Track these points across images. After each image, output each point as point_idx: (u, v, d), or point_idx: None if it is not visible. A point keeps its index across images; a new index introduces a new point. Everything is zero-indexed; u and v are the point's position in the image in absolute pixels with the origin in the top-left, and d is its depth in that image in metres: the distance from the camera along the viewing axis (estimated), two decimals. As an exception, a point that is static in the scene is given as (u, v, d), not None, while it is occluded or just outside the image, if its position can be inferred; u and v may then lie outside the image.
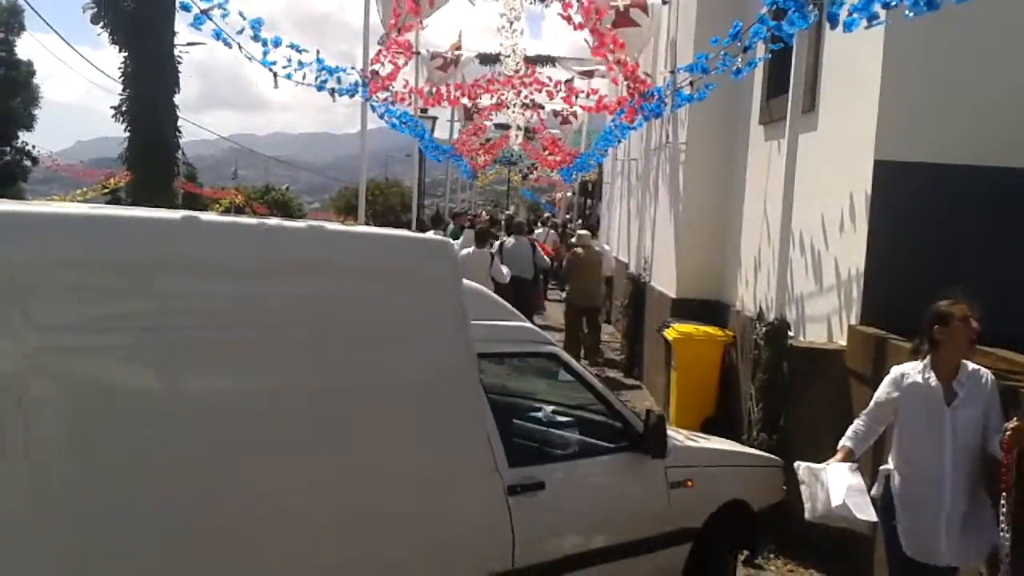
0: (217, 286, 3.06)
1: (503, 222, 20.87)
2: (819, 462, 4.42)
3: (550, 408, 5.27)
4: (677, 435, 5.16)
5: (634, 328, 12.25)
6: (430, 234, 4.08)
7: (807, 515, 4.32)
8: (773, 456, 5.82)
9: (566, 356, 4.64)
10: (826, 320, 6.62)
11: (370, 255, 3.55)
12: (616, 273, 15.71)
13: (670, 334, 9.16)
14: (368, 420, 3.41)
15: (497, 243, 13.28)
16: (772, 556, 5.95)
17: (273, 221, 3.49)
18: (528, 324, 4.54)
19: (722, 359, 8.99)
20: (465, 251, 11.52)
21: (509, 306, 4.45)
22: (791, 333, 6.41)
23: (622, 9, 11.00)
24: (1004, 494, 3.79)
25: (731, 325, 9.16)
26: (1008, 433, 3.78)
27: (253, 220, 3.36)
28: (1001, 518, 3.80)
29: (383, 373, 3.46)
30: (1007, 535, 3.77)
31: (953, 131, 5.87)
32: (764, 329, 6.27)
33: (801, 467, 4.43)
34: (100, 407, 2.77)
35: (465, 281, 3.99)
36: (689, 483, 4.76)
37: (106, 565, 2.76)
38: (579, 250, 12.63)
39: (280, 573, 3.13)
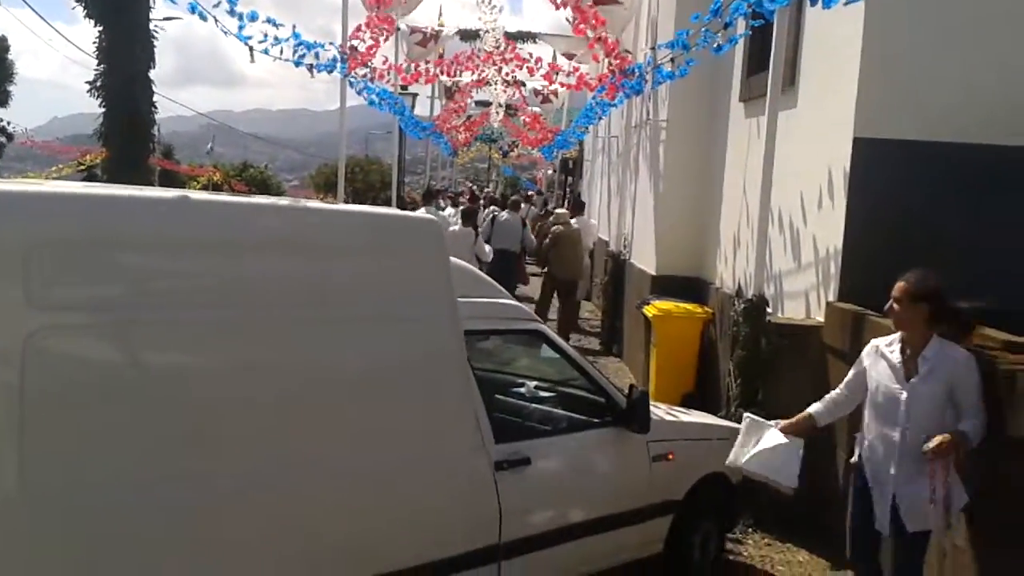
0: (201, 265, 3.04)
1: (483, 199, 21.07)
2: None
3: (535, 384, 5.34)
4: (658, 409, 5.23)
5: (614, 305, 12.29)
6: (421, 211, 4.06)
7: (727, 460, 4.80)
8: None
9: (550, 332, 4.68)
10: (804, 297, 6.66)
11: (357, 233, 3.56)
12: (596, 250, 15.78)
13: (649, 311, 9.20)
14: (357, 399, 3.44)
15: (490, 216, 14.30)
16: (750, 531, 6.01)
17: (258, 198, 3.51)
18: (513, 301, 4.57)
19: (701, 336, 9.04)
20: (451, 228, 12.17)
21: (494, 283, 4.51)
22: (769, 310, 6.44)
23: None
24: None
25: (710, 302, 9.20)
26: (931, 447, 3.91)
27: (240, 198, 3.37)
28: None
29: (371, 352, 3.49)
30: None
31: (933, 108, 5.90)
32: (743, 306, 6.31)
33: (748, 418, 4.85)
34: (87, 387, 2.79)
35: (458, 261, 4.06)
36: (670, 456, 4.87)
37: (91, 547, 2.77)
38: (559, 227, 13.00)
39: (272, 551, 3.16)
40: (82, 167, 32.52)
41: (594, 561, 4.52)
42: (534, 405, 5.09)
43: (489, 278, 4.57)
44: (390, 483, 3.52)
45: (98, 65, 8.09)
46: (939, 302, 4.23)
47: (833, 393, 4.70)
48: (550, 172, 36.70)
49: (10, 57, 36.04)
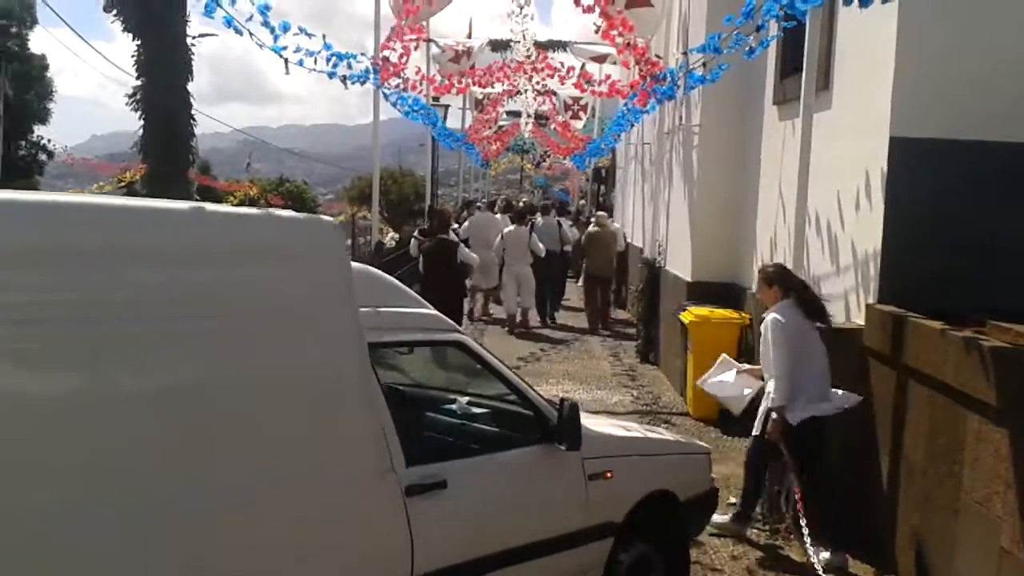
0: (68, 274, 2.75)
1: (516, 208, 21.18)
2: (835, 444, 4.96)
3: (457, 401, 4.92)
4: (598, 423, 4.97)
5: (649, 312, 12.23)
6: (325, 217, 3.56)
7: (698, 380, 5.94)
8: (700, 443, 5.73)
9: (472, 344, 4.30)
10: (843, 300, 6.59)
11: (241, 238, 3.22)
12: (631, 258, 15.77)
13: (686, 317, 9.15)
14: (240, 418, 3.10)
15: (529, 223, 15.17)
16: (791, 536, 5.93)
17: (131, 200, 3.26)
18: (430, 311, 4.19)
19: (739, 341, 8.96)
20: (507, 228, 14.58)
21: (409, 291, 4.21)
22: (808, 313, 6.36)
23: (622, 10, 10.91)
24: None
25: (747, 307, 9.13)
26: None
27: (111, 199, 3.08)
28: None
29: (257, 367, 3.16)
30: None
31: (970, 106, 5.81)
32: (780, 309, 6.23)
33: (724, 356, 6.19)
34: None
35: (357, 264, 3.79)
36: (608, 474, 4.48)
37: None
38: (595, 229, 15.09)
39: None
40: (122, 183, 33.05)
41: None
42: (455, 423, 4.69)
43: (404, 286, 4.21)
44: (280, 512, 3.17)
45: (137, 78, 8.25)
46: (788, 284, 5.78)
47: None
48: (583, 182, 36.64)
49: (49, 75, 36.78)
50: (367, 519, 3.47)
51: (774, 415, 5.63)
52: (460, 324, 12.71)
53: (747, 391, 6.19)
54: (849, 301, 6.48)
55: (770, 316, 5.68)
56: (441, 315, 4.26)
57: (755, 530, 6.14)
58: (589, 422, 4.84)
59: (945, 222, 5.82)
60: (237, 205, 37.68)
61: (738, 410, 6.08)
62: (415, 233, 13.87)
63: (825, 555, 5.42)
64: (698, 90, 9.75)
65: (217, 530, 3.00)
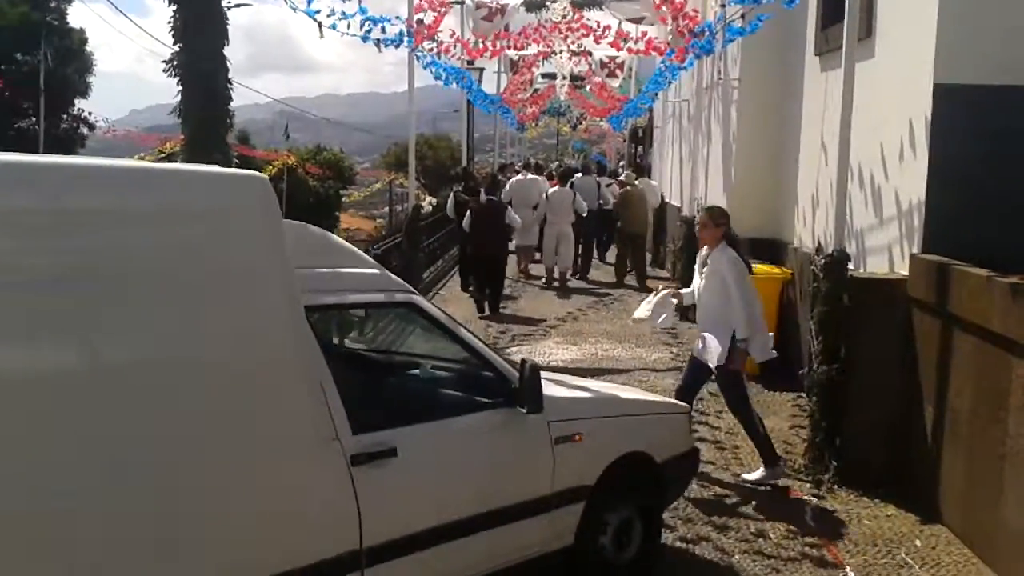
0: None
1: (550, 170, 21.72)
2: (879, 394, 5.34)
3: (412, 364, 4.70)
4: (566, 385, 4.81)
5: (688, 271, 12.16)
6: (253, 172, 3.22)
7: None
8: (679, 403, 5.59)
9: (427, 305, 4.12)
10: (887, 251, 6.53)
11: (161, 196, 2.97)
12: (669, 217, 15.71)
13: (726, 273, 9.10)
14: (169, 387, 2.92)
15: (569, 182, 15.69)
16: (835, 487, 5.95)
17: (38, 156, 3.06)
18: (380, 271, 4.01)
19: (780, 297, 8.93)
20: (551, 189, 15.27)
21: (359, 252, 4.00)
22: (851, 265, 6.32)
23: None
24: None
25: (788, 263, 9.07)
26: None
27: (14, 155, 2.82)
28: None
29: (178, 332, 2.96)
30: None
31: (1016, 50, 5.69)
32: (823, 261, 6.19)
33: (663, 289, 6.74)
34: None
35: (305, 225, 3.65)
36: (578, 437, 4.32)
37: None
38: (629, 187, 15.75)
39: (80, 556, 2.72)
40: (163, 154, 33.42)
41: (487, 560, 3.98)
42: (408, 388, 4.50)
43: (353, 247, 4.03)
44: (212, 485, 3.01)
45: (174, 44, 8.32)
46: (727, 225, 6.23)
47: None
48: (620, 143, 36.36)
49: (88, 49, 37.11)
50: (308, 490, 3.30)
51: (741, 346, 6.00)
52: (502, 281, 13.31)
53: (673, 310, 6.67)
54: (892, 252, 6.42)
55: (729, 254, 6.05)
56: (393, 276, 4.07)
57: (799, 480, 6.16)
58: (562, 384, 4.77)
59: (990, 170, 5.73)
60: (275, 174, 37.99)
61: (666, 324, 6.68)
62: (455, 191, 14.40)
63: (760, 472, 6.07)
64: (737, 43, 9.63)
65: (146, 506, 2.83)
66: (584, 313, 12.58)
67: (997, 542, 4.79)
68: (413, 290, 4.14)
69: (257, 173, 3.25)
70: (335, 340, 4.23)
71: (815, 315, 6.25)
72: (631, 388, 6.05)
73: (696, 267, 6.39)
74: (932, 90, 5.79)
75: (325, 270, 3.65)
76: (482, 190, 13.11)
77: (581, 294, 14.44)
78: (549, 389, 4.30)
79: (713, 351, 6.09)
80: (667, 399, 5.54)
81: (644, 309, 6.56)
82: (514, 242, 15.68)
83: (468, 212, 12.74)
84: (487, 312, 12.46)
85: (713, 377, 6.39)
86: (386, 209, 56.76)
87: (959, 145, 5.76)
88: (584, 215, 15.16)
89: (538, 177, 16.95)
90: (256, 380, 3.14)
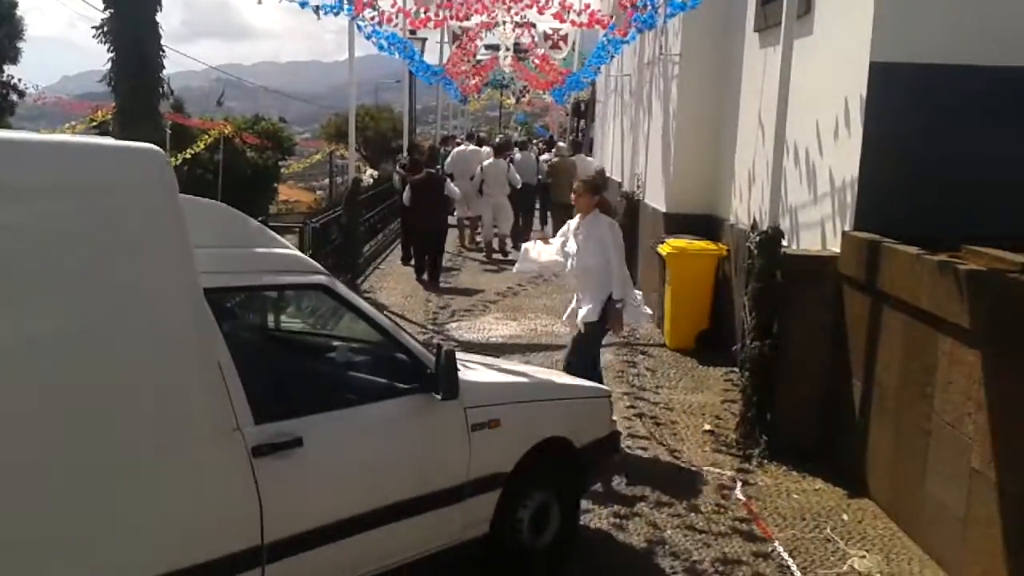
0: None
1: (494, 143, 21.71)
2: (810, 369, 5.39)
3: (323, 350, 4.56)
4: (483, 368, 4.73)
5: (628, 245, 12.18)
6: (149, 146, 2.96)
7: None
8: (600, 386, 5.53)
9: (339, 287, 3.94)
10: (820, 228, 6.59)
11: (44, 171, 2.76)
12: (611, 192, 15.73)
13: (664, 249, 9.15)
14: (47, 375, 2.73)
15: (508, 158, 16.07)
16: (765, 461, 6.02)
17: None
18: (290, 251, 3.83)
19: (716, 273, 9.00)
20: (487, 161, 15.47)
21: (268, 231, 3.82)
22: (785, 242, 6.37)
23: None
24: None
25: (725, 239, 9.13)
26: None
27: None
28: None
29: (63, 317, 2.77)
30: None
31: (951, 30, 5.75)
32: (757, 238, 6.23)
33: (525, 247, 7.22)
34: None
35: (205, 201, 3.50)
36: (494, 423, 4.23)
37: None
38: (556, 159, 16.59)
39: None
40: (94, 123, 32.41)
41: (398, 552, 3.87)
42: (318, 374, 4.33)
43: (263, 225, 3.85)
44: (97, 480, 2.83)
45: (105, 10, 8.00)
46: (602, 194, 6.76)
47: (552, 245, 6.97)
48: (562, 116, 36.31)
49: (18, 14, 35.73)
50: (206, 484, 3.14)
51: (618, 307, 6.35)
52: (442, 252, 13.33)
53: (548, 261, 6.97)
54: (825, 229, 6.48)
55: (605, 220, 6.49)
56: (303, 256, 3.87)
57: (730, 455, 6.22)
58: (480, 368, 4.67)
59: (923, 148, 5.80)
60: (211, 143, 37.11)
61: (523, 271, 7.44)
62: (398, 167, 14.78)
63: None
64: (679, 19, 9.59)
65: (19, 504, 2.65)
66: (524, 288, 12.55)
67: (921, 516, 4.89)
68: (325, 271, 3.98)
69: (153, 146, 3.03)
70: (240, 324, 4.01)
71: (749, 291, 6.29)
72: (553, 371, 5.99)
73: (568, 233, 6.66)
74: (868, 67, 5.83)
75: (230, 250, 3.48)
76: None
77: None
78: (467, 374, 4.21)
79: (587, 309, 6.41)
80: (588, 383, 5.44)
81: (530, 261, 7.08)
82: (456, 214, 16.00)
83: (407, 186, 12.99)
84: (426, 279, 12.72)
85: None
86: (326, 181, 55.98)
87: (893, 123, 5.81)
88: (519, 187, 15.50)
89: (480, 148, 17.05)
90: (148, 367, 2.96)
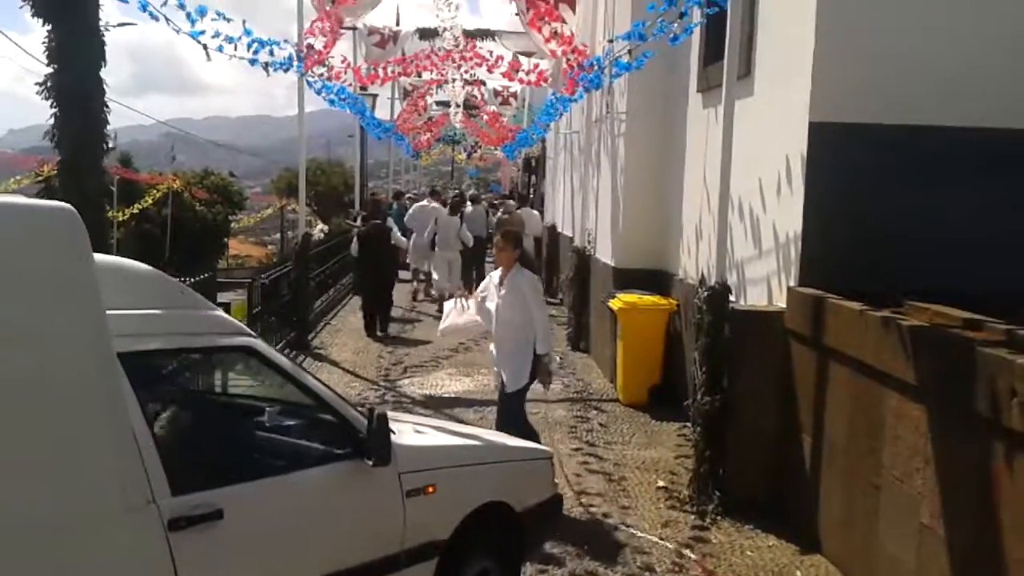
0: None
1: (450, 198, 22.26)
2: (761, 424, 5.10)
3: (247, 414, 4.37)
4: (425, 431, 4.63)
5: (580, 301, 12.27)
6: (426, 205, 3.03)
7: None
8: (541, 447, 5.45)
9: (266, 349, 3.81)
10: (766, 283, 6.68)
11: None
12: (562, 247, 15.88)
13: (615, 304, 9.20)
14: None
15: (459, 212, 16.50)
16: (718, 518, 6.00)
17: None
18: (214, 312, 3.71)
19: (666, 327, 9.05)
20: (440, 217, 15.75)
21: (190, 291, 3.69)
22: (732, 297, 6.44)
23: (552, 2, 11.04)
24: None
25: (674, 293, 9.21)
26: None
27: None
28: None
29: None
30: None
31: (889, 91, 5.93)
32: (705, 294, 6.29)
33: (448, 305, 7.18)
34: None
35: (121, 260, 3.39)
36: (430, 489, 4.10)
37: None
38: (505, 215, 17.06)
39: None
40: (40, 178, 31.91)
41: None
42: (242, 441, 4.14)
43: (184, 285, 3.73)
44: (11, 557, 2.67)
45: (48, 65, 7.91)
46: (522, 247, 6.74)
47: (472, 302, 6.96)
48: (514, 172, 36.63)
49: (-39, 68, 35.30)
50: (115, 563, 2.95)
51: (546, 360, 6.48)
52: (390, 301, 13.53)
53: (467, 321, 6.99)
54: (771, 284, 6.57)
55: (528, 275, 6.54)
56: (228, 317, 3.76)
57: (684, 512, 6.19)
58: (416, 430, 4.55)
59: (864, 206, 5.93)
60: (160, 197, 36.65)
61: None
62: (356, 227, 15.17)
63: None
64: (625, 78, 9.78)
65: None
66: (477, 343, 12.50)
67: (874, 573, 4.89)
68: (251, 332, 3.85)
69: (63, 205, 2.88)
70: (159, 389, 3.86)
71: (698, 346, 6.33)
72: (492, 432, 5.90)
73: (490, 287, 6.73)
74: (807, 128, 5.97)
75: (148, 312, 3.33)
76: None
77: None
78: (401, 437, 4.10)
79: (510, 375, 6.48)
80: (528, 444, 5.34)
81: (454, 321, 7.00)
82: (412, 267, 17.06)
83: (355, 238, 13.60)
84: (377, 333, 13.00)
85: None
86: (277, 235, 55.62)
87: (834, 181, 5.94)
88: (471, 245, 16.03)
89: (438, 204, 17.40)
90: (49, 436, 2.77)
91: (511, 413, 6.56)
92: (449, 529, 4.19)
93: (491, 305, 6.66)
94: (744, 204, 7.12)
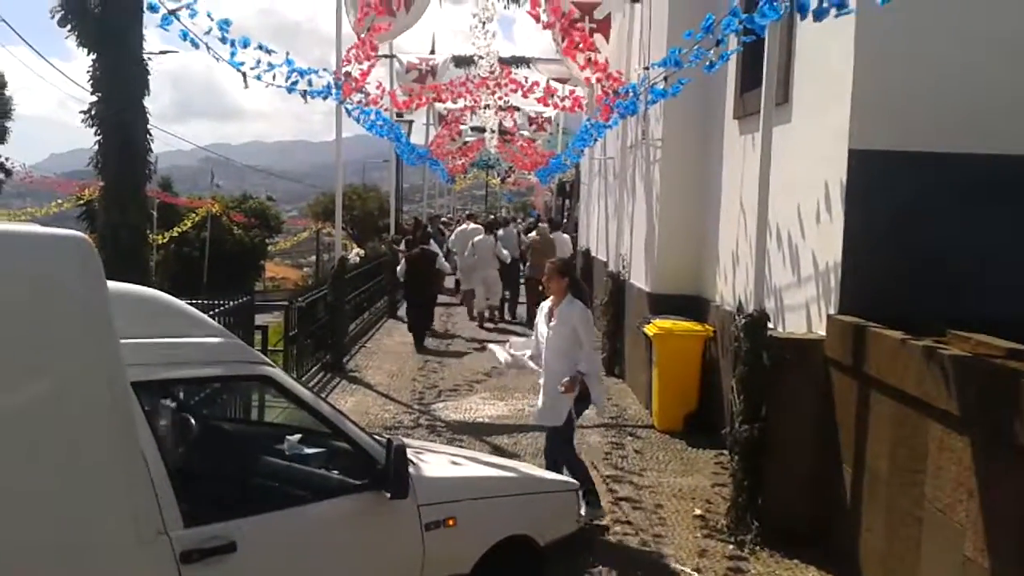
0: None
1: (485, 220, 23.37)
2: (800, 454, 5.05)
3: (263, 445, 4.32)
4: (446, 461, 4.53)
5: (614, 326, 12.24)
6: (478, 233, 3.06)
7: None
8: (567, 479, 5.34)
9: (283, 377, 3.77)
10: (805, 311, 6.63)
11: None
12: (595, 271, 15.88)
13: (650, 330, 9.16)
14: None
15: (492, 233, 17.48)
16: (757, 548, 5.93)
17: None
18: (233, 340, 3.66)
19: (702, 354, 8.99)
20: (477, 237, 16.88)
21: (206, 319, 3.66)
22: (770, 324, 6.40)
23: (587, 31, 11.18)
24: None
25: (711, 320, 9.16)
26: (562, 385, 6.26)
27: None
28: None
29: None
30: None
31: (928, 118, 5.89)
32: (743, 321, 6.25)
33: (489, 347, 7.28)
34: None
35: (138, 289, 3.40)
36: (451, 522, 4.00)
37: None
38: (537, 237, 17.47)
39: None
40: (81, 201, 32.55)
41: None
42: (259, 471, 4.07)
43: (204, 316, 3.71)
44: None
45: (93, 94, 8.12)
46: (573, 275, 6.70)
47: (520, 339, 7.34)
48: (547, 196, 36.74)
49: (7, 93, 36.14)
50: None
51: (583, 376, 6.36)
52: (431, 319, 14.76)
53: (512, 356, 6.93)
54: (811, 312, 6.52)
55: (579, 307, 6.45)
56: (245, 345, 3.70)
57: (721, 541, 6.13)
58: (436, 460, 4.45)
59: (904, 233, 5.89)
60: (199, 221, 37.20)
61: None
62: (402, 251, 16.38)
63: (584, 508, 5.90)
64: (660, 104, 9.80)
65: None
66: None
67: (916, 605, 4.80)
68: (269, 362, 3.82)
69: (78, 234, 2.90)
70: (173, 418, 3.82)
71: (736, 374, 6.28)
72: (515, 462, 5.80)
73: (541, 318, 6.65)
74: (847, 155, 5.95)
75: (163, 340, 3.31)
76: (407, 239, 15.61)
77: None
78: (421, 467, 4.04)
79: (562, 404, 6.35)
80: (553, 475, 5.24)
81: (501, 354, 6.97)
82: (461, 287, 18.08)
83: (403, 261, 14.73)
84: (419, 346, 14.11)
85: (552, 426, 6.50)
86: (313, 258, 56.18)
87: (874, 208, 5.91)
88: (507, 263, 17.03)
89: (479, 227, 18.82)
90: (61, 465, 2.74)
91: (559, 445, 6.46)
92: (470, 564, 4.10)
93: (541, 333, 6.57)
94: (782, 230, 7.08)
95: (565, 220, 26.50)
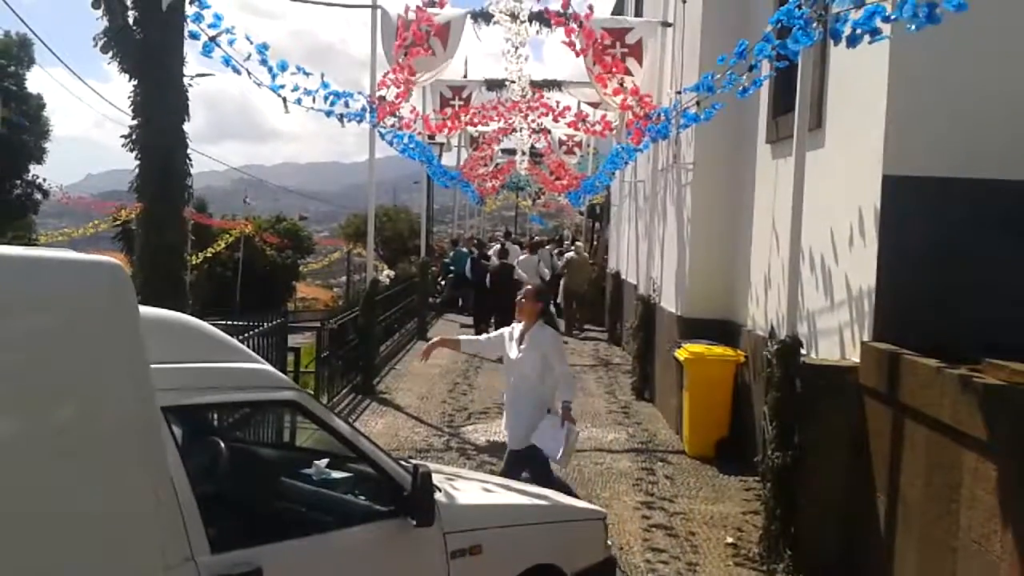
0: None
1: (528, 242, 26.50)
2: (833, 483, 5.01)
3: (290, 470, 4.29)
4: (473, 487, 4.50)
5: (645, 349, 12.21)
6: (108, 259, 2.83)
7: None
8: (594, 507, 5.26)
9: (311, 403, 3.76)
10: (839, 337, 6.58)
11: None
12: (625, 294, 15.88)
13: (681, 354, 9.13)
14: None
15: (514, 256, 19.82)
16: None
17: None
18: (262, 365, 3.66)
19: (734, 379, 8.94)
20: (521, 256, 19.92)
21: (236, 344, 3.65)
22: (803, 351, 6.36)
23: (618, 55, 11.27)
24: None
25: (742, 344, 9.12)
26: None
27: None
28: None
29: (11, 438, 2.58)
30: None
31: (962, 144, 5.86)
32: (776, 347, 6.22)
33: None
34: None
35: (168, 314, 3.38)
36: (477, 550, 3.95)
37: None
38: (573, 255, 20.28)
39: None
40: (117, 222, 33.06)
41: None
42: (285, 497, 4.06)
43: (232, 339, 3.69)
44: None
45: (133, 119, 8.29)
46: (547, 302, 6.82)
47: (482, 336, 7.37)
48: (578, 218, 36.78)
49: (45, 115, 36.88)
50: None
51: (566, 405, 6.39)
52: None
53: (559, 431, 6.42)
54: (844, 337, 6.47)
55: (549, 332, 6.56)
56: (273, 370, 3.71)
57: (753, 570, 6.07)
58: (463, 486, 4.41)
59: (939, 259, 5.83)
60: (232, 242, 37.63)
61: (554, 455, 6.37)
62: (472, 257, 20.40)
63: None
64: (691, 129, 9.82)
65: None
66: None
67: (952, 638, 4.73)
68: (296, 387, 3.82)
69: (109, 259, 2.87)
70: (201, 443, 3.85)
71: (768, 400, 6.25)
72: (543, 489, 5.75)
73: (505, 338, 6.69)
74: (881, 181, 5.92)
75: (192, 365, 3.30)
76: (492, 255, 19.24)
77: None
78: (448, 494, 4.02)
79: (528, 430, 6.32)
80: (581, 503, 5.21)
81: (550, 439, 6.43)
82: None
83: (488, 273, 17.82)
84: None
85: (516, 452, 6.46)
86: (344, 279, 56.58)
87: (909, 234, 5.87)
88: (547, 279, 19.16)
89: (516, 246, 22.17)
90: (89, 490, 2.70)
91: (537, 467, 6.36)
92: None
93: (511, 355, 6.55)
94: (815, 256, 7.05)
95: (595, 242, 26.57)
